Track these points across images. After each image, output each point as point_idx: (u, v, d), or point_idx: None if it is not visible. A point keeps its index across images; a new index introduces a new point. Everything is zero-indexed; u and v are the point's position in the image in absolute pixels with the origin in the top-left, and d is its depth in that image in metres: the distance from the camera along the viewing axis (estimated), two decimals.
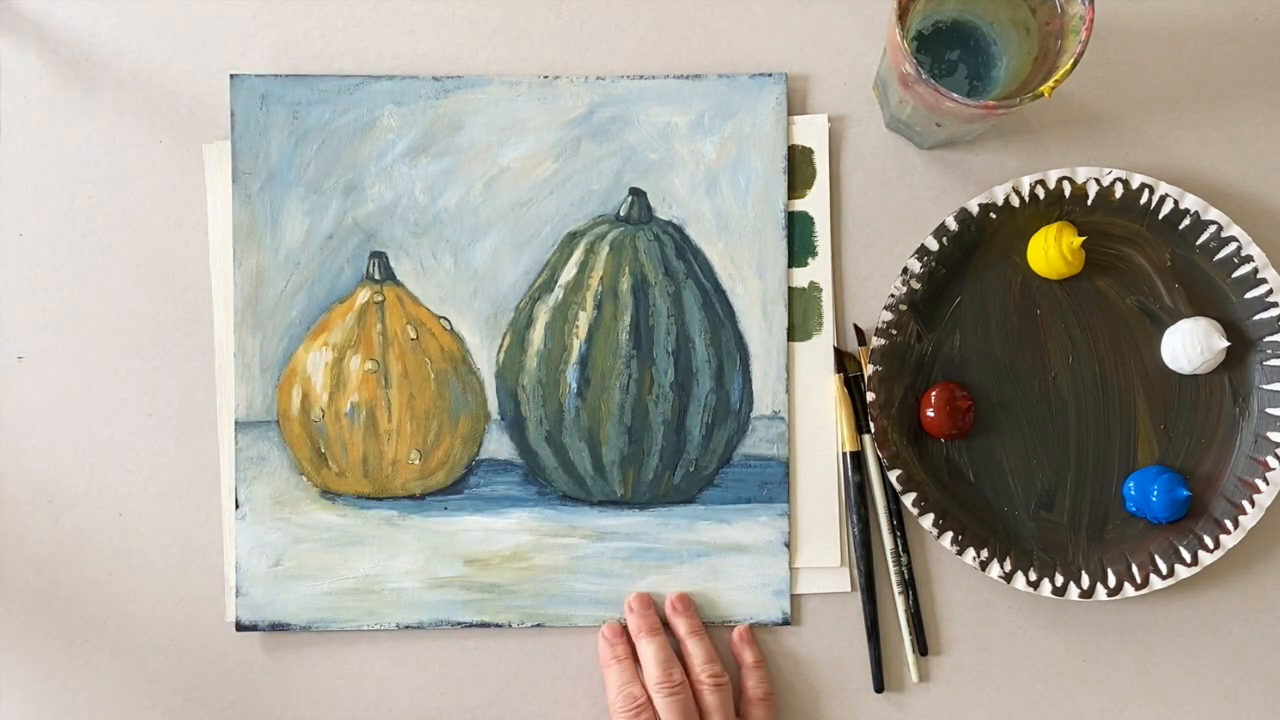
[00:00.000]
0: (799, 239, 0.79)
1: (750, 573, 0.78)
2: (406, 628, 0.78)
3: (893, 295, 0.77)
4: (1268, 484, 0.76)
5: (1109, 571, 0.76)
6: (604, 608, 0.78)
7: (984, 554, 0.76)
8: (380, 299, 0.79)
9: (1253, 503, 0.76)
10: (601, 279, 0.79)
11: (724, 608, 0.78)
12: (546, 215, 0.79)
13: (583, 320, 0.79)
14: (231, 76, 0.79)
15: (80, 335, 0.80)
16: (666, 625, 0.78)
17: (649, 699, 0.74)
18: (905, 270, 0.77)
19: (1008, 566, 0.76)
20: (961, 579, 0.79)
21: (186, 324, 0.80)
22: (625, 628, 0.78)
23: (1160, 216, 0.77)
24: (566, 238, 0.79)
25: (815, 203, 0.80)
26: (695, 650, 0.76)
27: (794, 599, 0.79)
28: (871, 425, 0.77)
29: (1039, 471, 0.78)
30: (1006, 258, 0.78)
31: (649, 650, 0.76)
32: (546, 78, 0.80)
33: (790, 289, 0.79)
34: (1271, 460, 0.76)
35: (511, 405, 0.79)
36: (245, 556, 0.78)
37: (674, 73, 0.80)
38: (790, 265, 0.79)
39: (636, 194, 0.79)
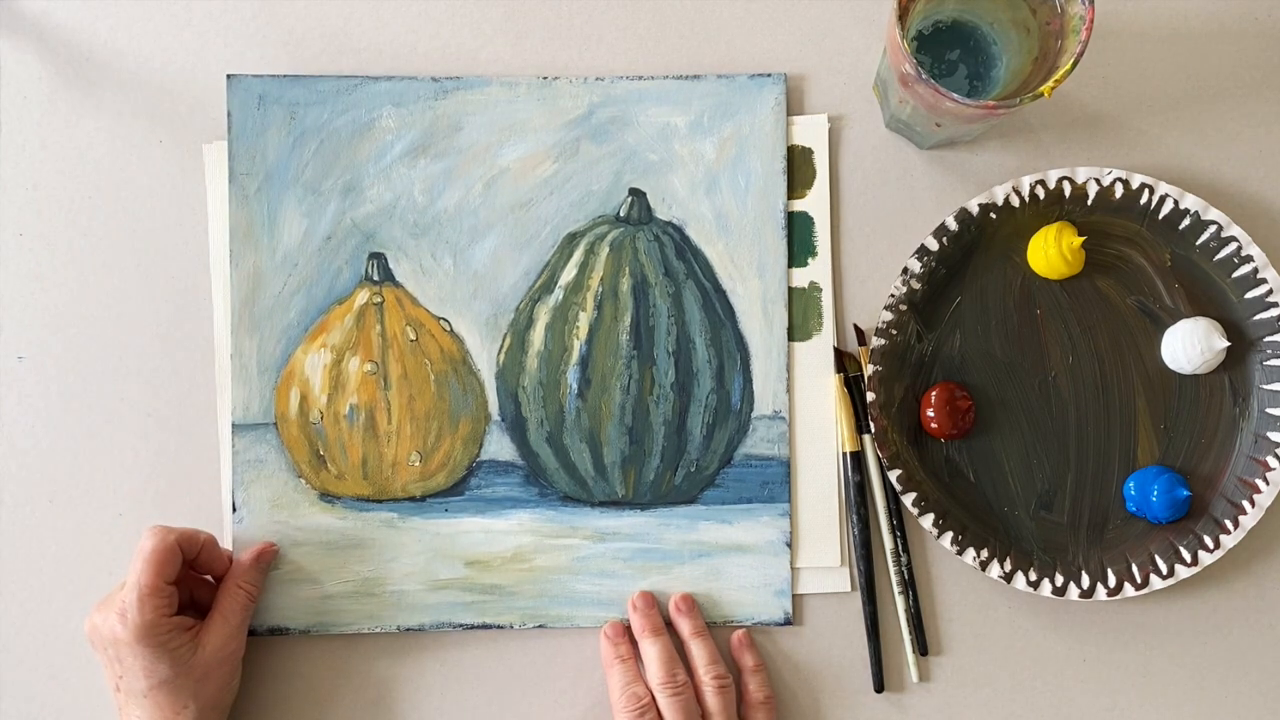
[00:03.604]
0: (799, 239, 0.79)
1: (752, 573, 0.78)
2: (408, 630, 0.78)
3: (893, 295, 0.77)
4: (1268, 484, 0.76)
5: (1109, 571, 0.76)
6: (606, 608, 0.78)
7: (984, 554, 0.76)
8: (379, 300, 0.79)
9: (1253, 503, 0.76)
10: (602, 280, 0.79)
11: (726, 608, 0.78)
12: (546, 216, 0.79)
13: (583, 321, 0.79)
14: (228, 77, 0.79)
15: (80, 335, 0.80)
16: (669, 625, 0.78)
17: (653, 699, 0.74)
18: (905, 270, 0.77)
19: (1008, 566, 0.76)
20: (961, 579, 0.79)
21: (187, 324, 0.80)
22: (628, 627, 0.78)
23: (1160, 216, 0.77)
24: (566, 238, 0.79)
25: (815, 203, 0.80)
26: (699, 651, 0.76)
27: (795, 599, 0.79)
28: (871, 425, 0.77)
29: (1039, 471, 0.78)
30: (1006, 258, 0.78)
31: (653, 650, 0.76)
32: (545, 78, 0.80)
33: (790, 289, 0.79)
34: (1271, 460, 0.76)
35: (512, 406, 0.79)
36: None
37: (673, 73, 0.80)
38: (790, 265, 0.79)
39: (636, 194, 0.79)
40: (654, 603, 0.78)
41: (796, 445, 0.79)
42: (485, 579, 0.78)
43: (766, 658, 0.79)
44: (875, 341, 0.77)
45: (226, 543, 0.78)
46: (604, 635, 0.78)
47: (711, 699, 0.75)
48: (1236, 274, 0.77)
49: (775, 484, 0.79)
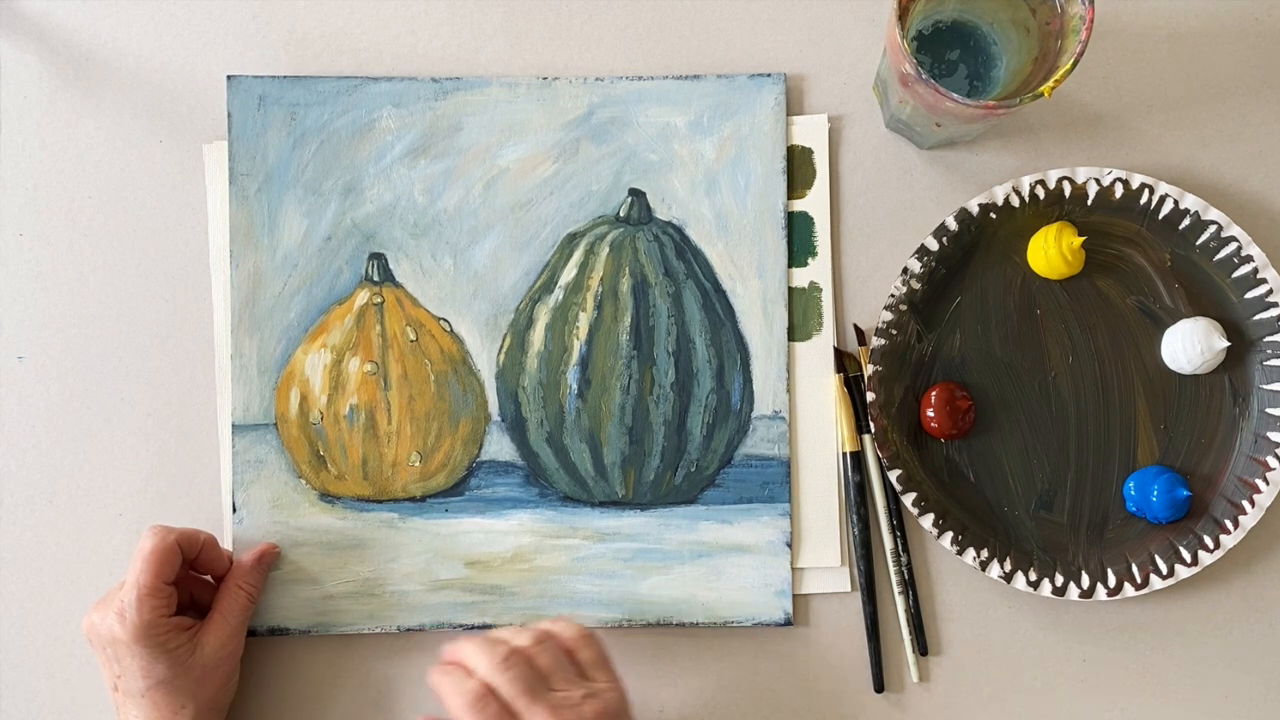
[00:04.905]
0: (799, 239, 0.79)
1: (752, 573, 0.78)
2: (408, 630, 0.78)
3: (893, 295, 0.77)
4: (1268, 484, 0.76)
5: (1109, 571, 0.76)
6: (606, 609, 0.78)
7: (984, 554, 0.76)
8: (379, 300, 0.79)
9: (1253, 503, 0.76)
10: (601, 280, 0.79)
11: (726, 608, 0.78)
12: (546, 216, 0.79)
13: (583, 321, 0.79)
14: (228, 78, 0.79)
15: (80, 335, 0.80)
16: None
17: (489, 689, 0.67)
18: (905, 270, 0.77)
19: (1008, 566, 0.76)
20: (961, 579, 0.79)
21: (187, 324, 0.80)
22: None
23: (1160, 216, 0.77)
24: (566, 239, 0.79)
25: (815, 203, 0.80)
26: (504, 633, 0.70)
27: (795, 599, 0.79)
28: (871, 425, 0.77)
29: (1039, 471, 0.78)
30: (1006, 258, 0.78)
31: (468, 648, 0.69)
32: (545, 79, 0.80)
33: (790, 289, 0.79)
34: (1271, 460, 0.76)
35: (512, 406, 0.79)
36: None
37: (673, 73, 0.80)
38: (790, 265, 0.79)
39: (636, 195, 0.79)
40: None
41: (797, 445, 0.79)
42: (485, 579, 0.78)
43: (766, 658, 0.78)
44: (875, 341, 0.77)
45: (226, 543, 0.78)
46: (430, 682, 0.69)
47: (540, 658, 0.68)
48: (1236, 274, 0.77)
49: (775, 484, 0.79)
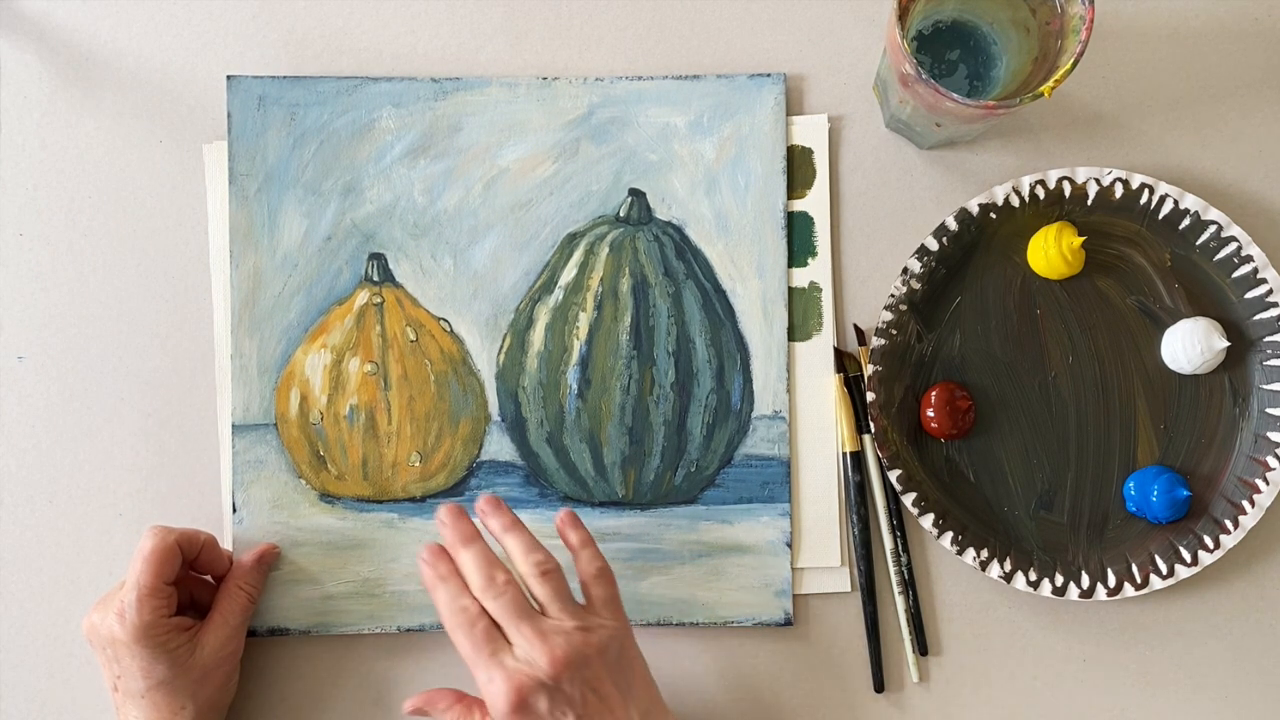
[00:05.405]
0: (799, 239, 0.79)
1: (752, 573, 0.78)
2: (408, 630, 0.78)
3: (893, 295, 0.77)
4: (1268, 484, 0.76)
5: (1109, 571, 0.76)
6: None
7: (984, 554, 0.76)
8: (379, 300, 0.79)
9: (1253, 503, 0.76)
10: (601, 280, 0.79)
11: (726, 608, 0.78)
12: (546, 216, 0.79)
13: (583, 321, 0.79)
14: (228, 78, 0.79)
15: (80, 335, 0.80)
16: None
17: (482, 608, 0.68)
18: (905, 270, 0.77)
19: (1008, 566, 0.76)
20: (961, 579, 0.79)
21: (187, 324, 0.80)
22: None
23: (1160, 216, 0.77)
24: (566, 239, 0.79)
25: (815, 203, 0.80)
26: (514, 545, 0.70)
27: (795, 599, 0.79)
28: (871, 425, 0.77)
29: (1039, 471, 0.78)
30: (1006, 258, 0.78)
31: (467, 559, 0.69)
32: (545, 79, 0.80)
33: (790, 289, 0.79)
34: (1271, 460, 0.76)
35: (512, 407, 0.79)
36: None
37: (673, 73, 0.80)
38: (790, 265, 0.79)
39: (636, 195, 0.79)
40: (462, 513, 0.71)
41: (797, 445, 0.79)
42: None
43: (766, 658, 0.79)
44: (875, 341, 0.77)
45: (226, 543, 0.78)
46: (421, 561, 0.71)
47: (537, 588, 0.69)
48: (1236, 274, 0.77)
49: (775, 484, 0.79)
